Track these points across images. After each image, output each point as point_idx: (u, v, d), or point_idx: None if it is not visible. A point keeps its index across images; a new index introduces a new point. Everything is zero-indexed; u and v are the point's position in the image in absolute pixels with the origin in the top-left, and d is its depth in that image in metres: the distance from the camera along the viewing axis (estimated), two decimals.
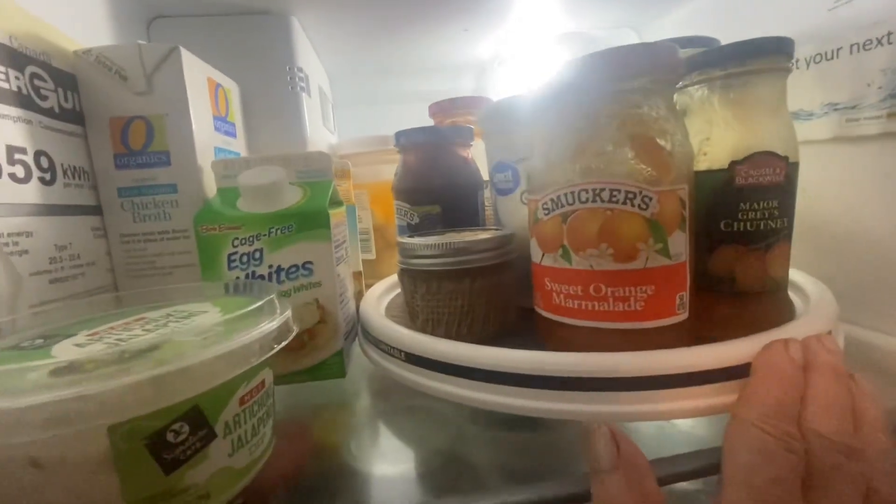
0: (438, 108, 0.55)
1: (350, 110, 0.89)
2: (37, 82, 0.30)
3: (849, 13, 0.37)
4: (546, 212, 0.25)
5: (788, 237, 0.28)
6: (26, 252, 0.28)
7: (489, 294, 0.30)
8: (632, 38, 0.68)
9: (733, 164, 0.26)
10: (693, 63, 0.28)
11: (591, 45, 0.66)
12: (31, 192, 0.29)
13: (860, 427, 0.19)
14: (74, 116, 0.33)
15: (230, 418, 0.20)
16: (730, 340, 0.22)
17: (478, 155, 0.42)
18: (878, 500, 0.18)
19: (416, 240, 0.31)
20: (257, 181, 0.32)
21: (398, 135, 0.42)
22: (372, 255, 0.55)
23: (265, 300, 0.23)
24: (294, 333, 0.23)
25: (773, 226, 0.27)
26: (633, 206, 0.22)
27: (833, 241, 0.39)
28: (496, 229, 0.34)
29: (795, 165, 0.27)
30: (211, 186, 0.36)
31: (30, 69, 0.29)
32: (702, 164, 0.28)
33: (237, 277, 0.31)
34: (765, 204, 0.26)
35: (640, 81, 0.23)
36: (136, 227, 0.35)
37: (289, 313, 0.23)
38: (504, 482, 0.28)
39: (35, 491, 0.17)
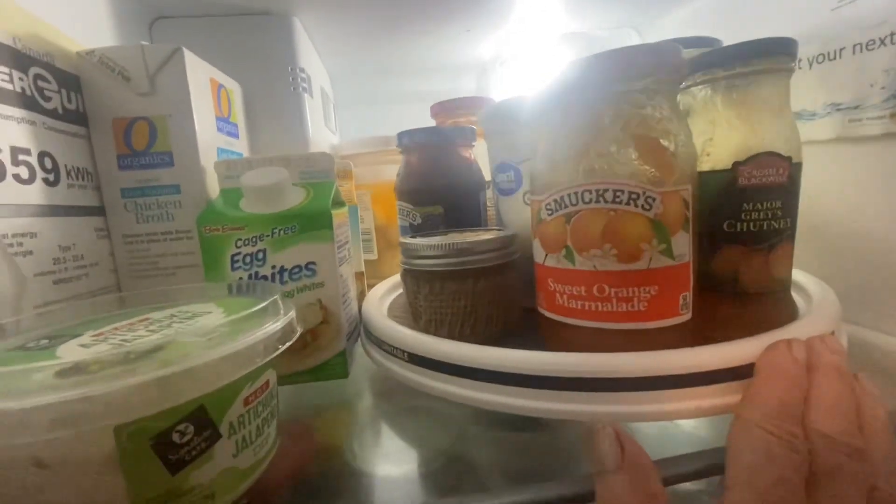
0: (440, 109, 0.55)
1: (351, 111, 0.89)
2: (40, 83, 0.30)
3: (852, 13, 0.37)
4: (549, 212, 0.25)
5: (792, 237, 0.28)
6: (30, 253, 0.28)
7: (492, 294, 0.30)
8: (633, 39, 0.68)
9: (736, 164, 0.27)
10: (696, 63, 0.28)
11: (593, 45, 0.66)
12: (35, 193, 0.29)
13: (864, 427, 0.19)
14: (78, 117, 0.33)
15: (235, 419, 0.20)
16: (733, 341, 0.22)
17: (480, 155, 0.42)
18: (881, 501, 0.17)
19: (419, 240, 0.31)
20: (260, 182, 0.32)
21: (401, 135, 0.42)
22: (374, 256, 0.55)
23: (269, 301, 0.23)
24: (298, 334, 0.23)
25: (777, 226, 0.27)
26: (636, 206, 0.22)
27: (835, 242, 0.39)
28: (499, 230, 0.34)
29: (799, 166, 0.27)
30: (214, 187, 0.36)
31: (33, 70, 0.30)
32: (705, 165, 0.28)
33: (240, 278, 0.31)
34: (768, 204, 0.26)
35: (644, 82, 0.23)
36: (139, 227, 0.35)
37: (293, 314, 0.23)
38: (507, 483, 0.28)
39: (40, 491, 0.17)
